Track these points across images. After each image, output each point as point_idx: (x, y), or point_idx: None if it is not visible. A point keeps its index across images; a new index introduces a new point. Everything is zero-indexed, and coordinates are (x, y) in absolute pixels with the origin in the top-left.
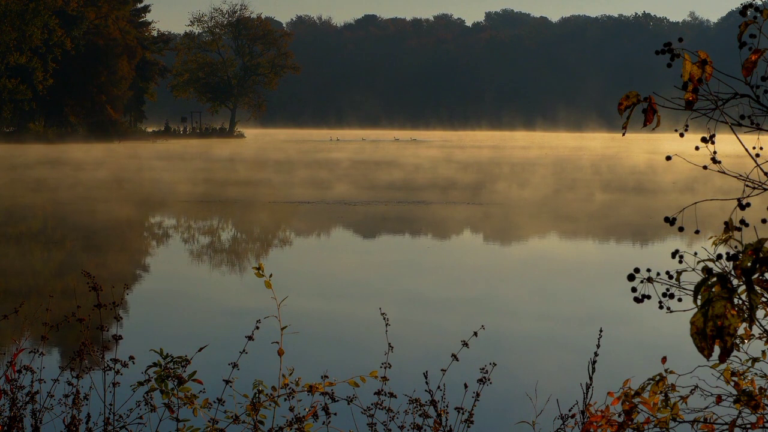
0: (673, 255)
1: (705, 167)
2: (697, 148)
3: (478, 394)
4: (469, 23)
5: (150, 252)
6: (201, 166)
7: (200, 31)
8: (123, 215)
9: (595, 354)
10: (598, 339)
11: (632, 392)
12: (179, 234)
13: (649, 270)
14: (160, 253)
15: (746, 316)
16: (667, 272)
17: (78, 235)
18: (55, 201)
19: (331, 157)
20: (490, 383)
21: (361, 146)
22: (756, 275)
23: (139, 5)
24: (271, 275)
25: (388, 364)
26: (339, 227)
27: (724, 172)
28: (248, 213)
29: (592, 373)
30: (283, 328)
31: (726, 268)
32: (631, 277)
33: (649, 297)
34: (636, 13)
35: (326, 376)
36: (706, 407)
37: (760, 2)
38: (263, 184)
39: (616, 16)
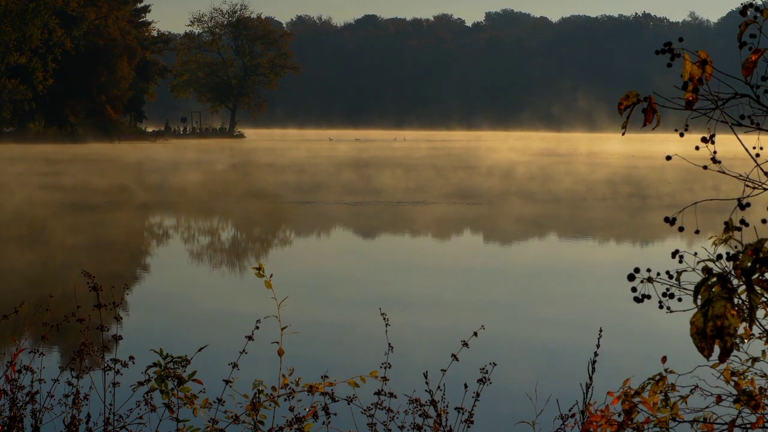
0: (673, 255)
1: (705, 167)
2: (697, 148)
3: (478, 394)
4: (469, 23)
5: None
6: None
7: (200, 31)
8: None
9: (595, 354)
10: (598, 339)
11: (632, 392)
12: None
13: (649, 270)
14: None
15: (746, 316)
16: (667, 272)
17: None
18: None
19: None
20: (490, 383)
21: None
22: (756, 275)
23: (139, 5)
24: (271, 275)
25: (388, 364)
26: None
27: (724, 172)
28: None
29: (592, 373)
30: (283, 329)
31: (726, 268)
32: (631, 277)
33: (649, 297)
34: (636, 13)
35: (326, 376)
36: (706, 407)
37: (760, 2)
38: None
39: (616, 16)
